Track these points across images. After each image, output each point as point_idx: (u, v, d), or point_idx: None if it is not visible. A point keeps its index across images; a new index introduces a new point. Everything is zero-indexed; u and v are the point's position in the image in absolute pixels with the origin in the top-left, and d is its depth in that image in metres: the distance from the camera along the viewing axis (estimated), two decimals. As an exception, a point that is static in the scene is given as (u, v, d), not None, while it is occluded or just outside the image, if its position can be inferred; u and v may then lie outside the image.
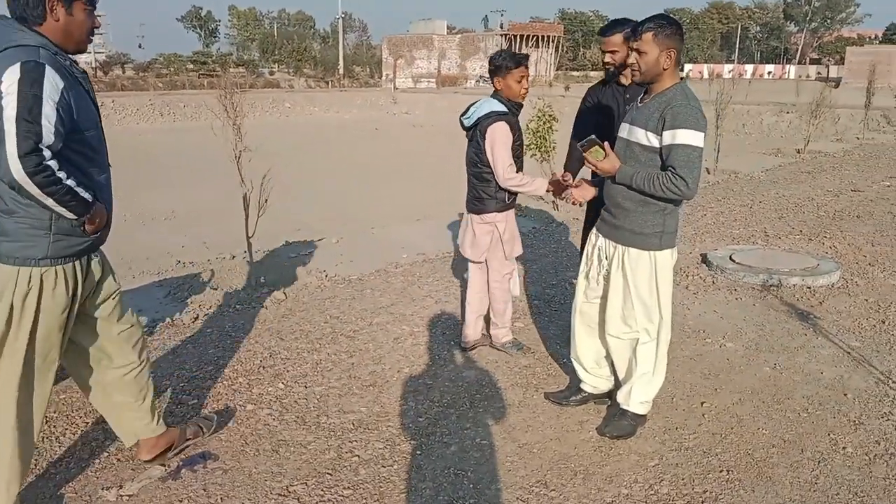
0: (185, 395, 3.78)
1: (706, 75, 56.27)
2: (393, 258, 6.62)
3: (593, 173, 3.38)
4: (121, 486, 2.96)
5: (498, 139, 3.92)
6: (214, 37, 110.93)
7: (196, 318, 4.95)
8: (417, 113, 39.34)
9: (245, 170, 5.50)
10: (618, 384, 3.53)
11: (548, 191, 4.05)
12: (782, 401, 3.77)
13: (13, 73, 2.24)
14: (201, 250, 7.76)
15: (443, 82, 58.06)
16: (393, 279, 5.96)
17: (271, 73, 66.82)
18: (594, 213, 3.64)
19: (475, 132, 4.05)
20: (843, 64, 57.82)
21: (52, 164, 2.33)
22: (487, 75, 4.15)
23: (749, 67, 72.70)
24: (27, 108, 2.24)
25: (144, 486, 2.96)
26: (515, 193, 4.13)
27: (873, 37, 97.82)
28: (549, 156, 9.39)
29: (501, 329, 4.39)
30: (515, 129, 4.00)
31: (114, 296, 2.86)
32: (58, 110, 2.32)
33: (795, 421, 3.56)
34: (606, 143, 3.16)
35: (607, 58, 3.94)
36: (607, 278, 3.35)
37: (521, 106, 4.06)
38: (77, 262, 2.59)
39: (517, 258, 4.45)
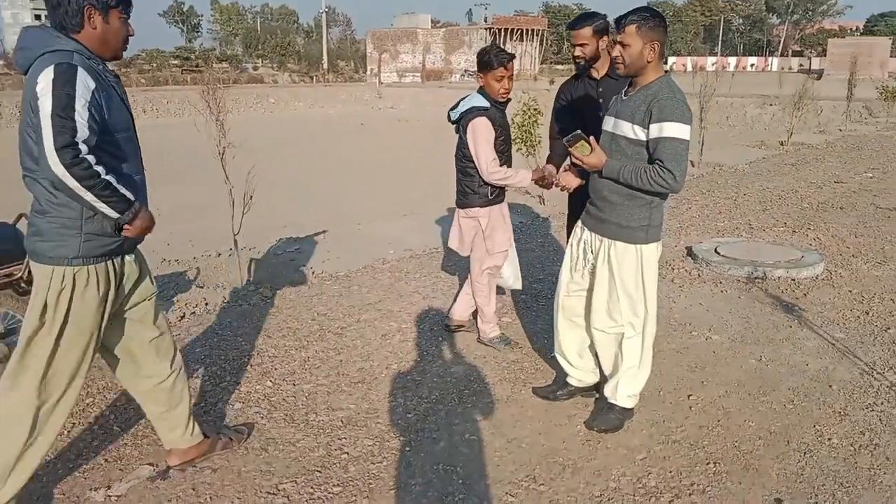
0: (173, 395, 3.75)
1: (689, 68, 56.51)
2: (380, 254, 6.61)
3: (580, 168, 3.38)
4: (109, 487, 2.94)
5: (479, 134, 3.94)
6: (197, 32, 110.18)
7: (182, 317, 4.92)
8: (402, 107, 39.27)
9: (229, 166, 5.47)
10: (604, 378, 3.55)
11: (533, 180, 4.07)
12: (768, 393, 3.80)
13: (47, 75, 2.32)
14: (186, 248, 7.71)
15: (428, 76, 57.98)
16: (380, 275, 5.95)
17: (255, 69, 66.44)
18: (579, 206, 3.64)
19: (459, 127, 4.08)
20: (825, 56, 58.32)
21: (90, 158, 2.36)
22: (472, 69, 4.16)
23: (732, 60, 73.07)
24: (61, 106, 2.30)
25: (133, 487, 2.95)
26: (501, 189, 4.13)
27: (854, 28, 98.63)
28: (534, 150, 9.40)
29: (487, 324, 4.40)
30: (498, 125, 4.00)
31: (149, 298, 2.88)
32: (90, 109, 2.37)
33: (781, 413, 3.59)
34: (592, 138, 3.16)
35: (577, 51, 3.94)
36: (593, 272, 3.35)
37: (505, 103, 4.07)
38: (110, 262, 2.62)
39: (520, 253, 4.47)
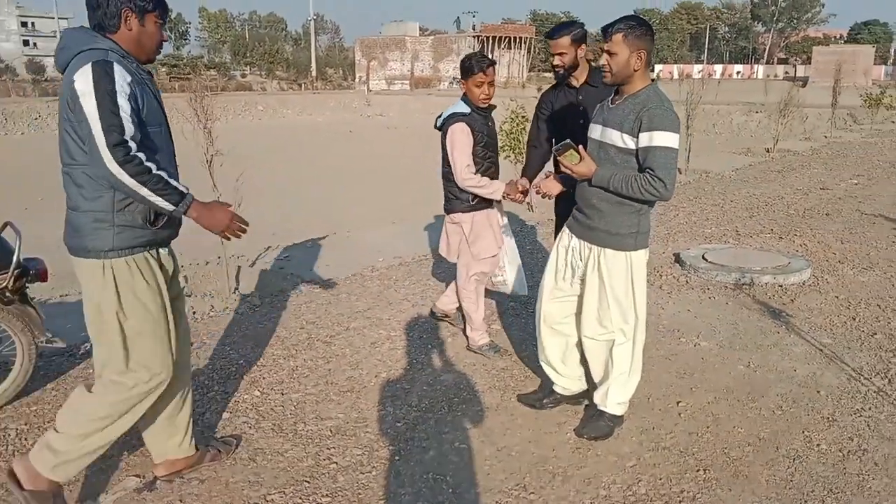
0: (160, 405, 3.72)
1: (676, 75, 56.88)
2: (369, 262, 6.59)
3: (565, 177, 3.38)
4: (96, 499, 2.90)
5: (456, 140, 3.99)
6: (185, 39, 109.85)
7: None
8: (391, 115, 39.31)
9: (217, 174, 5.45)
10: (593, 385, 3.54)
11: (505, 196, 4.09)
12: (757, 399, 3.81)
13: (86, 73, 2.39)
14: (174, 256, 7.66)
15: (416, 84, 58.08)
16: (369, 283, 5.93)
17: (243, 76, 66.34)
18: (565, 213, 3.64)
19: (442, 134, 4.13)
20: (809, 63, 58.78)
21: (140, 154, 2.44)
22: (459, 76, 4.19)
23: (718, 67, 73.58)
24: (106, 105, 2.38)
25: (119, 498, 2.91)
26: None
27: (838, 36, 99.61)
28: (522, 157, 9.43)
29: (476, 332, 4.40)
30: (478, 131, 4.03)
31: (179, 297, 2.92)
32: (129, 101, 2.46)
33: (770, 419, 3.60)
34: (581, 147, 3.16)
35: (556, 60, 3.96)
36: (582, 280, 3.35)
37: (486, 109, 4.10)
38: (147, 253, 2.67)
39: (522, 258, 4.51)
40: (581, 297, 3.38)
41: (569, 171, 3.17)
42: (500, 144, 10.92)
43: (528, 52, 68.19)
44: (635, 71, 3.05)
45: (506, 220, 4.41)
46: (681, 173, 12.44)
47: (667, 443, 3.37)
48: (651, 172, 2.97)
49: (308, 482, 3.04)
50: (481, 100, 4.02)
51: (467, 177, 4.01)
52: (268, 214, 10.29)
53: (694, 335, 4.71)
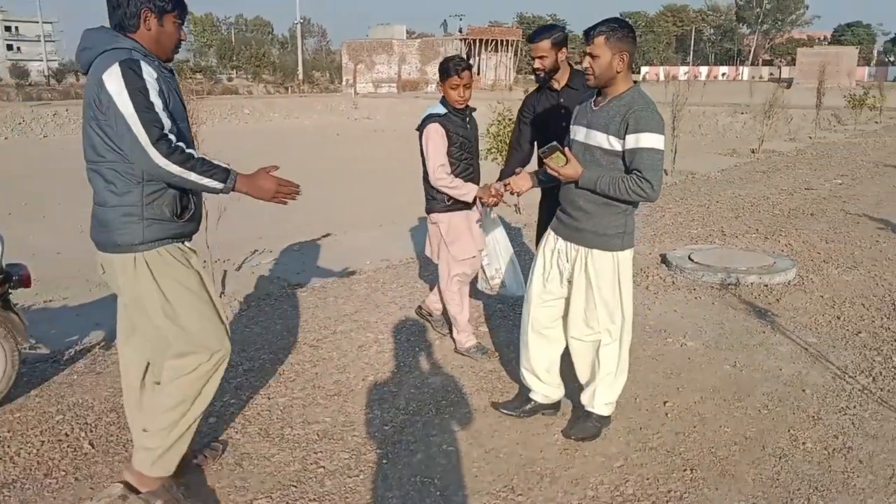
0: (145, 410, 3.69)
1: (662, 77, 57.21)
2: (356, 264, 6.58)
3: (549, 179, 3.39)
4: (79, 507, 2.88)
5: (430, 140, 4.06)
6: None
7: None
8: (378, 118, 39.29)
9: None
10: (580, 386, 3.53)
11: (479, 200, 4.12)
12: (743, 398, 3.82)
13: (115, 73, 2.44)
14: (160, 261, 7.61)
15: (403, 87, 58.11)
16: (356, 286, 5.92)
17: (229, 80, 66.09)
18: (547, 215, 3.64)
19: (419, 135, 4.20)
20: (794, 65, 59.27)
21: (181, 143, 2.52)
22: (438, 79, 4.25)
23: (704, 69, 74.04)
24: (141, 103, 2.45)
25: (103, 506, 2.88)
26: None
27: (822, 38, 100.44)
28: (509, 159, 9.46)
29: (462, 334, 4.40)
30: (452, 133, 4.08)
31: None
32: (160, 97, 2.53)
33: (756, 418, 3.62)
34: (567, 149, 3.17)
35: (536, 63, 4.00)
36: (570, 281, 3.35)
37: (464, 110, 4.14)
38: (177, 245, 2.73)
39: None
40: (568, 298, 3.38)
41: (555, 174, 3.17)
42: (487, 147, 10.93)
43: (515, 54, 68.34)
44: (618, 73, 3.05)
45: (499, 222, 4.42)
46: (667, 174, 12.49)
47: (654, 443, 3.38)
48: (638, 174, 2.98)
49: (295, 487, 3.03)
50: (457, 102, 4.08)
51: (440, 176, 4.06)
52: (254, 218, 10.23)
53: (680, 335, 4.73)
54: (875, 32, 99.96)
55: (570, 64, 4.06)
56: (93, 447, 3.32)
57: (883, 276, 6.08)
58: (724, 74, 72.43)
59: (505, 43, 66.69)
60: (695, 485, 3.04)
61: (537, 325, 3.48)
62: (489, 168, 4.59)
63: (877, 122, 24.91)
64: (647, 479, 3.09)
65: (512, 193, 3.61)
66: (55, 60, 77.29)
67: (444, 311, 4.65)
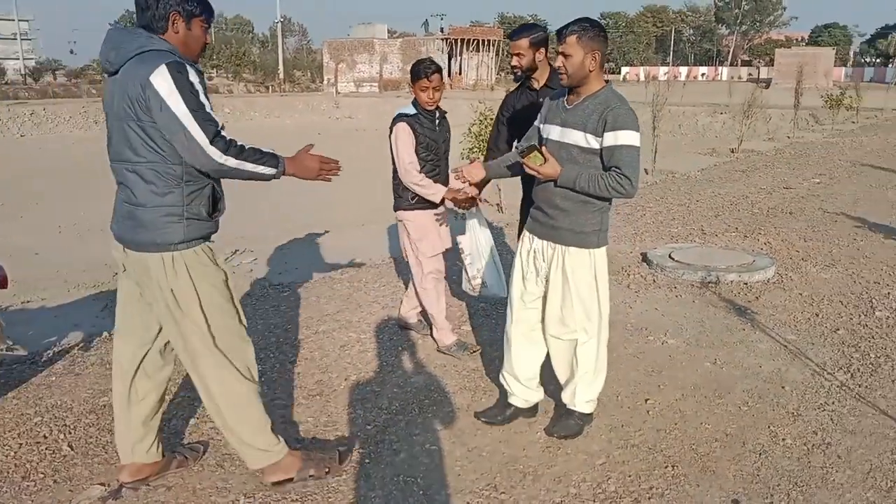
0: (125, 412, 3.65)
1: (642, 78, 57.54)
2: (338, 264, 6.56)
3: (526, 178, 3.39)
4: (57, 509, 2.84)
5: (398, 139, 4.15)
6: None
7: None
8: (360, 117, 39.21)
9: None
10: (561, 386, 3.53)
11: (449, 200, 4.19)
12: (723, 395, 3.85)
13: (164, 74, 2.48)
14: (139, 261, 7.54)
15: (385, 86, 58.01)
16: (338, 286, 5.90)
17: (210, 79, 65.56)
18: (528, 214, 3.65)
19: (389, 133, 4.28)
20: (772, 65, 59.86)
21: (233, 138, 2.60)
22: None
23: (683, 70, 74.62)
24: (194, 103, 2.52)
25: (83, 508, 2.86)
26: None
27: (800, 39, 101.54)
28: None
29: (441, 331, 4.42)
30: (419, 133, 4.15)
31: None
32: (206, 97, 2.60)
33: (736, 414, 3.65)
34: (545, 148, 3.18)
35: (514, 61, 4.07)
36: (547, 279, 3.35)
37: (433, 112, 4.21)
38: (208, 244, 2.80)
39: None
40: (545, 296, 3.38)
41: (534, 173, 3.18)
42: (469, 146, 10.92)
43: (497, 54, 68.41)
44: (590, 72, 3.09)
45: (484, 221, 4.42)
46: (647, 174, 12.60)
47: (636, 440, 3.40)
48: (618, 171, 3.01)
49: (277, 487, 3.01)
50: (427, 103, 4.16)
51: (410, 171, 4.13)
52: (235, 218, 10.17)
53: (661, 333, 4.76)
54: (851, 34, 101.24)
55: (550, 64, 4.09)
56: (72, 449, 3.29)
57: (860, 273, 6.16)
58: (703, 75, 73.03)
59: (486, 43, 66.73)
60: (676, 481, 3.06)
61: (524, 327, 3.47)
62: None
63: (853, 122, 25.19)
64: (629, 476, 3.11)
65: (463, 182, 3.63)
66: (32, 59, 76.36)
67: (422, 313, 4.67)
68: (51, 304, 5.70)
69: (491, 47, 67.12)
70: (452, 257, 4.74)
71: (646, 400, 3.80)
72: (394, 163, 4.24)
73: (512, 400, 3.59)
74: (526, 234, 3.43)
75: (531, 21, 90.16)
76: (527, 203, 4.01)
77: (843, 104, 25.01)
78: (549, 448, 3.34)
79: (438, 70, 4.15)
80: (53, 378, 4.06)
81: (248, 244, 7.74)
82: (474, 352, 4.40)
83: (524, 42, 3.96)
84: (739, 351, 4.46)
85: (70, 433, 3.43)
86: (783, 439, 3.39)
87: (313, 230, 8.91)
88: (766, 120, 23.80)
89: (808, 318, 5.07)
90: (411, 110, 4.19)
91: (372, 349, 4.52)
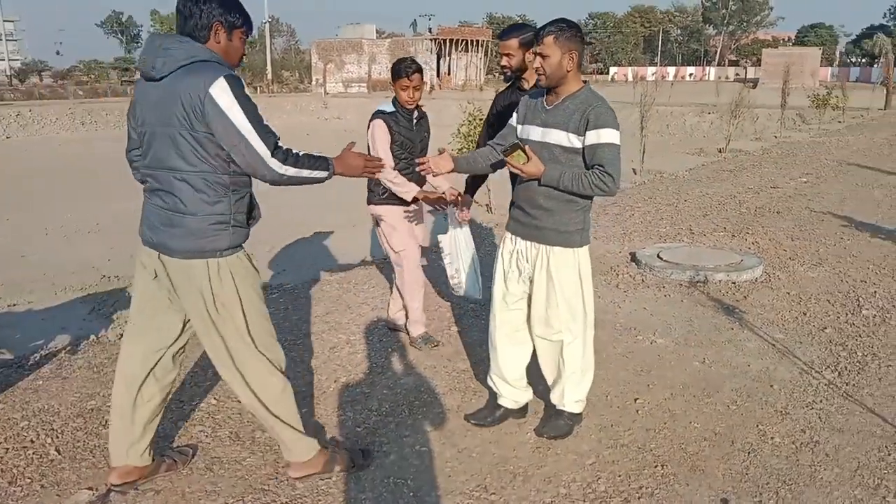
0: (113, 415, 3.62)
1: (630, 78, 57.75)
2: (327, 265, 6.55)
3: (514, 179, 3.40)
4: (45, 514, 2.82)
5: (374, 134, 4.23)
6: (136, 42, 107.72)
7: (122, 335, 4.75)
8: (349, 118, 39.11)
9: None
10: (549, 386, 3.53)
11: (420, 199, 4.24)
12: (712, 394, 3.87)
13: (224, 87, 2.53)
14: (128, 264, 7.50)
15: (374, 87, 57.92)
16: (328, 287, 5.89)
17: (197, 80, 65.12)
18: None
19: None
20: (759, 65, 60.16)
21: (289, 147, 2.69)
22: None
23: (671, 70, 74.87)
24: (254, 116, 2.59)
25: (70, 513, 2.84)
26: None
27: (787, 39, 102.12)
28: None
29: (414, 324, 4.54)
30: (395, 130, 4.21)
31: None
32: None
33: (725, 413, 3.66)
34: (528, 147, 3.18)
35: (504, 61, 4.08)
36: (530, 280, 3.35)
37: (412, 111, 4.27)
38: (244, 249, 2.87)
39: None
40: (529, 297, 3.38)
41: (518, 171, 3.18)
42: (458, 147, 10.91)
43: (485, 54, 68.44)
44: (568, 72, 3.11)
45: (467, 221, 4.42)
46: (635, 174, 12.63)
47: (625, 440, 3.41)
48: (601, 168, 3.05)
49: (267, 490, 3.00)
50: (406, 102, 4.23)
51: (385, 169, 4.11)
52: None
53: (650, 333, 4.77)
54: (837, 34, 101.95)
55: None
56: (59, 453, 3.26)
57: (847, 272, 6.20)
58: (691, 75, 73.30)
59: (475, 43, 66.75)
60: (665, 480, 3.07)
61: (508, 329, 3.47)
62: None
63: (840, 122, 25.37)
64: (619, 475, 3.11)
65: (427, 174, 3.65)
66: (17, 60, 75.83)
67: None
68: (38, 306, 5.66)
69: (479, 48, 67.15)
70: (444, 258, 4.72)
71: (635, 399, 3.81)
72: None
73: (501, 401, 3.59)
74: (508, 235, 3.43)
75: (520, 21, 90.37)
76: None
77: (829, 104, 25.17)
78: (539, 448, 3.34)
79: (419, 69, 4.21)
80: (40, 382, 4.03)
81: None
82: (435, 346, 4.50)
83: (514, 42, 3.96)
84: (728, 350, 4.48)
85: (57, 437, 3.40)
86: (772, 438, 3.41)
87: (301, 231, 8.88)
88: (753, 120, 23.89)
89: (796, 316, 5.10)
90: (390, 108, 4.25)
91: (361, 351, 4.51)
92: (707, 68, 77.21)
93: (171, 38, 2.65)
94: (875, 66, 66.15)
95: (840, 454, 3.26)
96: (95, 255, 8.75)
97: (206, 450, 3.31)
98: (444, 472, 3.15)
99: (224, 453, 3.28)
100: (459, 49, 64.47)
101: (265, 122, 2.63)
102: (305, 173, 2.71)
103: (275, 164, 2.61)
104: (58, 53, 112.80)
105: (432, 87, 54.81)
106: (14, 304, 5.66)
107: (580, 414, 3.49)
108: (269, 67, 65.24)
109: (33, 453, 3.26)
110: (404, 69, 4.15)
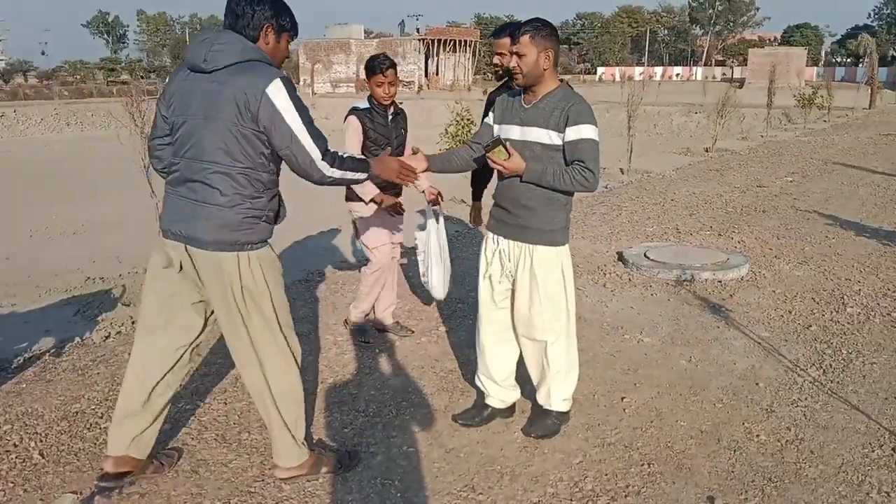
0: (98, 418, 3.60)
1: (618, 78, 57.95)
2: (314, 266, 6.53)
3: (498, 178, 3.40)
4: (28, 519, 2.80)
5: (347, 130, 4.28)
6: (123, 43, 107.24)
7: (107, 337, 4.74)
8: (337, 118, 38.98)
9: (155, 180, 5.31)
10: (535, 386, 3.53)
11: (376, 201, 4.27)
12: (698, 392, 3.89)
13: (281, 89, 2.59)
14: (113, 265, 7.46)
15: (362, 87, 57.80)
16: (315, 287, 5.87)
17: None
18: None
19: None
20: (746, 65, 60.51)
21: (336, 150, 2.77)
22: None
23: (658, 69, 75.14)
24: (306, 118, 2.66)
25: (54, 517, 2.81)
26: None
27: (773, 39, 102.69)
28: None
29: (355, 310, 4.70)
30: (368, 127, 4.25)
31: None
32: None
33: (711, 412, 3.68)
34: (509, 143, 3.18)
35: (496, 59, 4.09)
36: (513, 280, 3.35)
37: (387, 108, 4.31)
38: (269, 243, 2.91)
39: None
40: (513, 296, 3.38)
41: (500, 168, 3.18)
42: (447, 146, 10.90)
43: (474, 55, 68.50)
44: (545, 70, 3.13)
45: (441, 221, 4.39)
46: (623, 173, 12.67)
47: (612, 438, 3.42)
48: (581, 164, 3.07)
49: (253, 492, 2.99)
50: (382, 98, 4.25)
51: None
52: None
53: (637, 332, 4.79)
54: (823, 34, 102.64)
55: None
56: (43, 457, 3.23)
57: (832, 270, 6.24)
58: (678, 75, 73.56)
59: (463, 43, 66.79)
60: (652, 479, 3.08)
61: (496, 328, 3.47)
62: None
63: (825, 121, 25.57)
64: (606, 474, 3.12)
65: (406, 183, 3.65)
66: (2, 60, 75.22)
67: (396, 314, 4.77)
68: (21, 309, 5.61)
69: (468, 48, 67.20)
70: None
71: (622, 398, 3.82)
72: None
73: (489, 401, 3.59)
74: (490, 235, 3.42)
75: (508, 21, 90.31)
76: None
77: (814, 103, 25.38)
78: (526, 448, 3.34)
79: (393, 65, 4.24)
80: (24, 385, 4.00)
81: (223, 247, 7.66)
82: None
83: (506, 41, 3.94)
84: (714, 348, 4.50)
85: (41, 441, 3.37)
86: (757, 435, 3.43)
87: (289, 232, 8.85)
88: (739, 119, 24.08)
89: (782, 315, 5.13)
90: (364, 105, 4.28)
91: (349, 352, 4.50)
92: (694, 68, 77.54)
93: (226, 34, 2.67)
94: (860, 65, 66.63)
95: (825, 451, 3.28)
96: (80, 256, 8.67)
97: (192, 452, 3.29)
98: (431, 473, 3.14)
99: (210, 455, 3.26)
100: (448, 49, 64.50)
101: (316, 126, 2.68)
102: (350, 175, 2.80)
103: (324, 167, 2.69)
104: (43, 53, 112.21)
105: (420, 87, 54.79)
106: (-2, 307, 5.61)
107: (567, 413, 3.50)
108: (256, 68, 64.88)
109: (16, 457, 3.23)
110: (378, 65, 4.18)
